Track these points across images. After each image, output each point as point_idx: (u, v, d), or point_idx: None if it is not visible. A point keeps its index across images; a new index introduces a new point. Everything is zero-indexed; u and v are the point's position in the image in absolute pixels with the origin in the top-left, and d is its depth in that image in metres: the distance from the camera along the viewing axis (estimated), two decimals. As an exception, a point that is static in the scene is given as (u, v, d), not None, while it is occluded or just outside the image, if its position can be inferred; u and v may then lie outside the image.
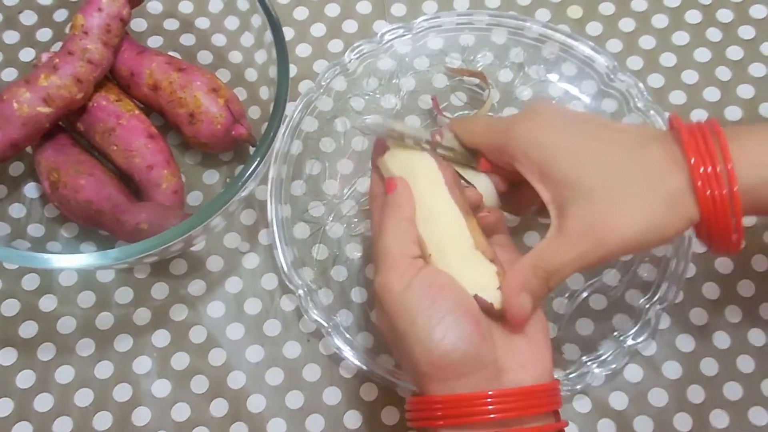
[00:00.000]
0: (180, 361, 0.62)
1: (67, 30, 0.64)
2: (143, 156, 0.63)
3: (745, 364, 0.61)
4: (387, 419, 0.60)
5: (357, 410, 0.61)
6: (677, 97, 0.69)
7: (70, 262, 0.56)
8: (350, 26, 0.72)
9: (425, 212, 0.51)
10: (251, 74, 0.69)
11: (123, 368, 0.62)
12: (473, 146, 0.54)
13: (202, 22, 0.73)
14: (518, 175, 0.51)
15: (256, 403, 0.61)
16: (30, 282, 0.64)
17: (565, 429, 0.49)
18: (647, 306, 0.61)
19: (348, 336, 0.61)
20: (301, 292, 0.61)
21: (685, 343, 0.62)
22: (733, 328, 0.62)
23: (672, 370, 0.61)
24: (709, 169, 0.46)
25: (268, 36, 0.61)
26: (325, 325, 0.60)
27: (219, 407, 0.61)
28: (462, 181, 0.54)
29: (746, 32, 0.71)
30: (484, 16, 0.69)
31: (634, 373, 0.61)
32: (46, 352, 0.62)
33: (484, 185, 0.54)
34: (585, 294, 0.63)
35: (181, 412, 0.61)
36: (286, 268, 0.62)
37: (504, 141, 0.51)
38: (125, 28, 0.65)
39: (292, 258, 0.63)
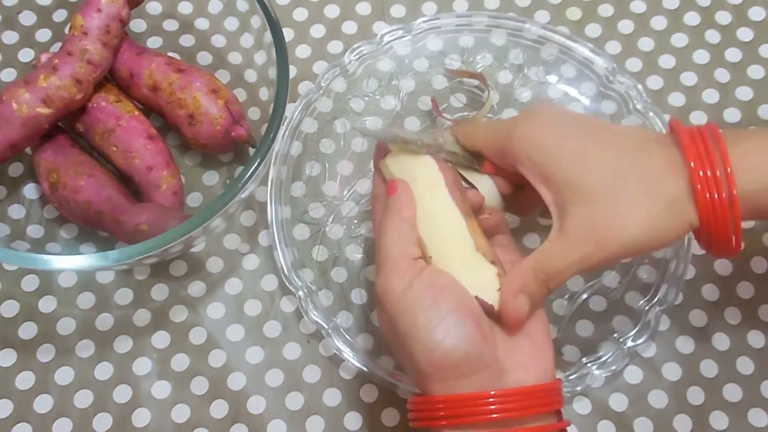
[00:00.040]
0: (180, 362, 0.62)
1: (66, 31, 0.64)
2: (143, 157, 0.63)
3: (745, 365, 0.61)
4: (387, 421, 0.60)
5: (357, 412, 0.61)
6: (676, 99, 0.69)
7: (69, 263, 0.56)
8: (350, 27, 0.72)
9: (426, 214, 0.51)
10: (251, 75, 0.69)
11: (123, 369, 0.62)
12: (475, 149, 0.54)
13: (202, 23, 0.72)
14: (522, 177, 0.51)
15: (256, 405, 0.61)
16: (29, 283, 0.64)
17: (567, 429, 0.49)
18: (647, 308, 0.61)
19: (348, 337, 0.61)
20: (301, 293, 0.61)
21: (685, 344, 0.62)
22: (732, 330, 0.62)
23: (672, 371, 0.61)
24: (709, 172, 0.47)
25: (268, 37, 0.61)
26: (325, 326, 0.60)
27: (219, 408, 0.61)
28: (464, 183, 0.54)
29: (745, 34, 0.71)
30: (484, 17, 0.69)
31: (633, 374, 0.61)
32: (45, 354, 0.62)
33: (486, 187, 0.54)
34: (585, 295, 0.63)
35: (181, 413, 0.61)
36: (286, 270, 0.62)
37: (505, 143, 0.51)
38: (125, 29, 0.65)
39: (292, 259, 0.63)
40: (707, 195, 0.47)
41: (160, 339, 0.63)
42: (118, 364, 0.62)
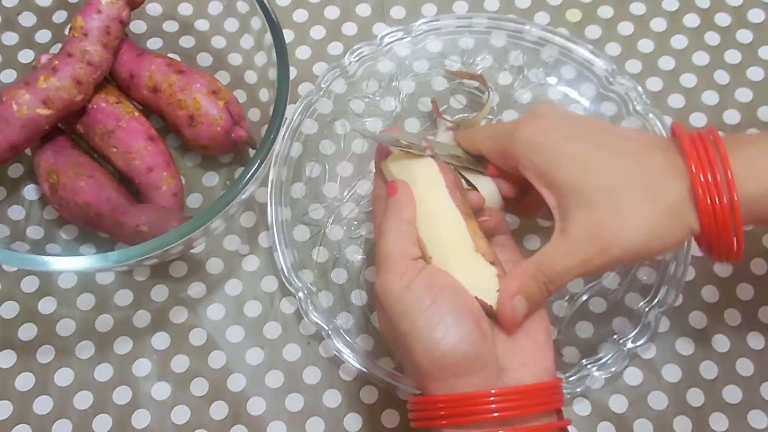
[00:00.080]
0: (180, 363, 0.62)
1: (66, 32, 0.63)
2: (143, 158, 0.63)
3: (745, 367, 0.61)
4: (387, 422, 0.60)
5: (357, 413, 0.61)
6: (676, 101, 0.69)
7: (69, 264, 0.56)
8: (350, 29, 0.72)
9: (426, 215, 0.51)
10: (251, 76, 0.69)
11: (123, 371, 0.62)
12: (478, 152, 0.54)
13: (202, 24, 0.73)
14: (525, 180, 0.51)
15: (256, 406, 0.61)
16: (29, 284, 0.64)
17: (567, 428, 0.49)
18: (647, 309, 0.61)
19: (348, 339, 0.61)
20: (301, 294, 0.61)
21: (685, 346, 0.62)
22: (732, 332, 0.62)
23: (672, 373, 0.61)
24: (710, 177, 0.47)
25: (268, 38, 0.61)
26: (326, 327, 0.60)
27: (219, 410, 0.61)
28: (465, 185, 0.54)
29: (744, 36, 0.72)
30: (484, 19, 0.69)
31: (633, 376, 0.61)
32: (45, 355, 0.62)
33: (487, 188, 0.55)
34: (585, 297, 0.63)
35: (180, 414, 0.61)
36: (286, 271, 0.62)
37: (508, 146, 0.51)
38: (125, 30, 0.65)
39: (292, 260, 0.63)
40: (708, 199, 0.47)
41: (160, 340, 0.63)
42: (118, 365, 0.62)
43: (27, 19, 0.72)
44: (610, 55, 0.71)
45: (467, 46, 0.70)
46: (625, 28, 0.72)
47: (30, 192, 0.67)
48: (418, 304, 0.47)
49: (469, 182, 0.54)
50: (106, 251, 0.55)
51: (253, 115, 0.68)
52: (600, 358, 0.60)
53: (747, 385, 0.61)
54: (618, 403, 0.61)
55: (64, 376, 0.62)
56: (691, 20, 0.72)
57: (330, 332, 0.60)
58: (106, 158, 0.64)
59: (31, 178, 0.67)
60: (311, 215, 0.65)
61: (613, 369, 0.60)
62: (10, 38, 0.72)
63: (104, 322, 0.63)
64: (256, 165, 0.56)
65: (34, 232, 0.65)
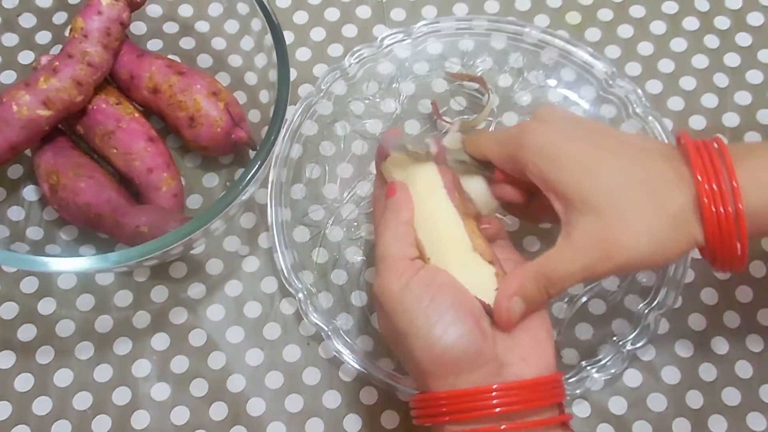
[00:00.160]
0: (179, 364, 0.62)
1: (66, 33, 0.64)
2: (143, 159, 0.63)
3: (744, 369, 0.61)
4: (387, 423, 0.60)
5: (357, 414, 0.61)
6: (675, 104, 0.69)
7: (69, 265, 0.56)
8: (350, 30, 0.72)
9: (424, 216, 0.52)
10: (251, 78, 0.69)
11: (122, 371, 0.62)
12: (484, 158, 0.54)
13: (202, 26, 0.73)
14: (533, 184, 0.51)
15: (255, 407, 0.61)
16: (29, 285, 0.64)
17: (569, 422, 0.49)
18: (646, 311, 0.61)
19: (348, 339, 0.61)
20: (301, 295, 0.61)
21: (684, 348, 0.62)
22: (731, 334, 0.62)
23: (671, 375, 0.61)
24: (715, 186, 0.46)
25: (268, 40, 0.61)
26: (325, 328, 0.60)
27: (218, 411, 0.61)
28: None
29: (743, 39, 0.72)
30: (484, 21, 0.69)
31: (633, 377, 0.61)
32: (44, 356, 0.62)
33: (478, 189, 0.54)
34: (584, 299, 0.63)
35: (180, 415, 0.61)
36: (286, 272, 0.62)
37: (515, 151, 0.51)
38: (125, 32, 0.65)
39: (292, 261, 0.63)
40: (713, 208, 0.46)
41: (160, 341, 0.63)
42: (118, 366, 0.62)
43: (27, 20, 0.72)
44: (610, 57, 0.71)
45: (467, 48, 0.70)
46: (625, 30, 0.72)
47: (30, 193, 0.67)
48: (416, 303, 0.47)
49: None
50: (106, 252, 0.55)
51: (254, 116, 0.68)
52: (599, 360, 0.60)
53: (746, 387, 0.61)
54: (617, 405, 0.61)
55: (63, 377, 0.62)
56: (691, 23, 0.72)
57: (330, 333, 0.60)
58: (106, 159, 0.64)
59: (31, 178, 0.67)
60: (311, 216, 0.65)
61: (612, 371, 0.60)
62: (10, 39, 0.72)
63: (104, 323, 0.63)
64: (257, 166, 0.56)
65: (34, 232, 0.65)
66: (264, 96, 0.66)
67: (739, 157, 0.48)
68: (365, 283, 0.64)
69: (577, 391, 0.59)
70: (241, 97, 0.69)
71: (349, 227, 0.65)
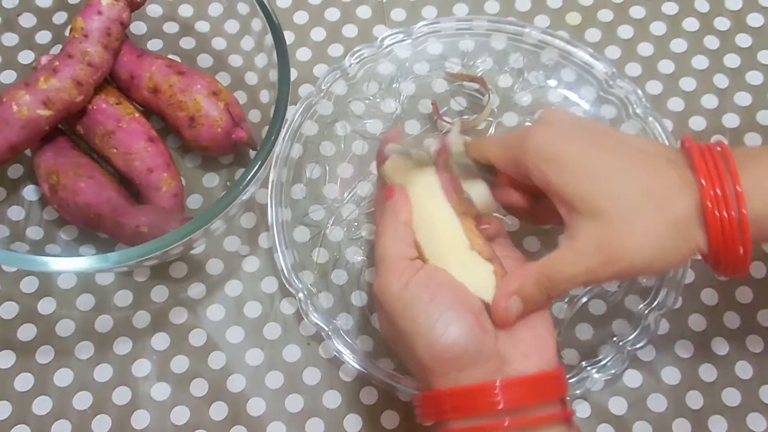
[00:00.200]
0: (179, 364, 0.62)
1: (66, 33, 0.64)
2: (143, 159, 0.63)
3: (744, 370, 0.61)
4: (387, 423, 0.60)
5: (357, 414, 0.61)
6: (675, 104, 0.69)
7: (69, 265, 0.56)
8: (350, 31, 0.72)
9: (423, 216, 0.52)
10: (251, 78, 0.69)
11: (122, 371, 0.62)
12: (488, 162, 0.54)
13: (202, 26, 0.73)
14: (537, 188, 0.51)
15: (255, 407, 0.61)
16: (29, 285, 0.64)
17: (572, 418, 0.49)
18: (646, 311, 0.61)
19: (348, 339, 0.61)
20: (301, 295, 0.61)
21: (684, 348, 0.62)
22: (731, 335, 0.62)
23: (671, 375, 0.61)
24: (719, 191, 0.46)
25: (269, 40, 0.61)
26: (326, 328, 0.60)
27: (218, 411, 0.61)
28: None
29: (743, 40, 0.72)
30: (484, 21, 0.69)
31: (633, 378, 0.61)
32: (44, 355, 0.62)
33: (479, 192, 0.55)
34: (584, 299, 0.63)
35: (180, 415, 0.60)
36: (286, 272, 0.62)
37: (518, 154, 0.50)
38: (125, 31, 0.65)
39: (293, 261, 0.63)
40: (717, 213, 0.46)
41: (160, 341, 0.62)
42: (118, 365, 0.62)
43: (27, 20, 0.72)
44: (610, 58, 0.71)
45: (467, 49, 0.70)
46: (625, 31, 0.72)
47: (30, 193, 0.67)
48: (417, 302, 0.48)
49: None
50: (106, 252, 0.55)
51: (254, 116, 0.68)
52: (599, 360, 0.60)
53: (746, 388, 0.61)
54: (617, 406, 0.61)
55: (63, 377, 0.61)
56: (691, 24, 0.72)
57: (330, 333, 0.60)
58: (107, 159, 0.64)
59: (31, 178, 0.67)
60: (311, 216, 0.65)
61: (612, 371, 0.60)
62: (10, 39, 0.72)
63: (104, 323, 0.63)
64: (257, 166, 0.56)
65: (34, 232, 0.65)
66: (264, 96, 0.66)
67: (744, 162, 0.47)
68: (365, 283, 0.64)
69: (577, 392, 0.59)
70: (241, 97, 0.69)
71: (350, 227, 0.65)
